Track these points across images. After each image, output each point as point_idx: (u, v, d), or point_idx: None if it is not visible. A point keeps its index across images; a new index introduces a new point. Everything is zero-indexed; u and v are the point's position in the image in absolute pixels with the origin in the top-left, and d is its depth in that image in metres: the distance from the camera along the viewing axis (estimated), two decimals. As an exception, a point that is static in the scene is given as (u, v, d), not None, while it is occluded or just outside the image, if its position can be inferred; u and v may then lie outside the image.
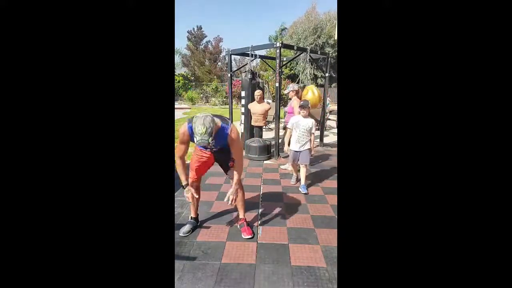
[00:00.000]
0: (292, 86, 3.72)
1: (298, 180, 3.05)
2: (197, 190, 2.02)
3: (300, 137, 2.88)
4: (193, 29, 23.02)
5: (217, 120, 1.65)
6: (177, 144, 1.71)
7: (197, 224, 2.16)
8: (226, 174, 2.01)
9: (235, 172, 1.84)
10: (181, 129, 1.71)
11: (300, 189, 2.92)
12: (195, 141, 1.55)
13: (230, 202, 1.81)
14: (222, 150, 1.87)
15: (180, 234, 2.00)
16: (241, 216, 2.11)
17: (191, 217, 2.15)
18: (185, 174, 1.82)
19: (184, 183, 1.83)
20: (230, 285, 1.52)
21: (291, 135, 2.96)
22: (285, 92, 3.89)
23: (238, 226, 2.10)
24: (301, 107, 2.85)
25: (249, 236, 1.99)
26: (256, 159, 4.13)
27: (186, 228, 2.06)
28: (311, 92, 4.20)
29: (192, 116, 1.61)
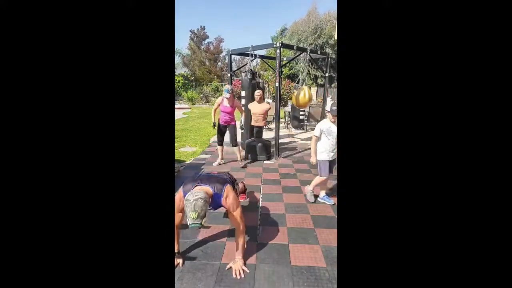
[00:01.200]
0: (228, 89, 3.57)
1: (316, 196, 2.69)
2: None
3: (333, 145, 2.46)
4: (197, 29, 23.07)
5: (209, 190, 1.54)
6: (176, 211, 1.58)
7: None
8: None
9: (237, 240, 1.63)
10: (176, 196, 1.57)
11: (324, 201, 2.62)
12: (187, 222, 1.38)
13: (237, 276, 1.58)
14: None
15: None
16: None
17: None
18: (178, 242, 1.68)
19: (176, 250, 1.67)
20: (230, 285, 1.52)
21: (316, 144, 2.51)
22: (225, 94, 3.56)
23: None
24: (333, 113, 2.36)
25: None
26: (256, 159, 4.13)
27: None
28: (303, 93, 4.28)
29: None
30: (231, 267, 1.64)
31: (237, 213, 1.60)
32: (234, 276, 1.58)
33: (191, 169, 3.54)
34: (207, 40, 23.15)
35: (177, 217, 1.59)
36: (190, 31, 22.94)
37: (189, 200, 1.37)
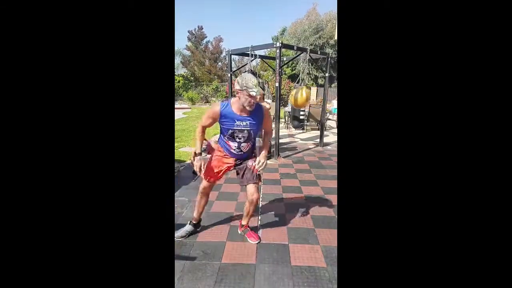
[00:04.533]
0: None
1: None
2: (207, 196, 1.99)
3: None
4: (194, 29, 23.03)
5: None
6: (205, 116, 1.74)
7: (197, 230, 2.06)
8: (241, 183, 1.89)
9: (265, 141, 1.85)
10: (214, 107, 1.72)
11: None
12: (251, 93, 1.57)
13: (261, 167, 1.73)
14: (244, 158, 1.86)
15: (175, 238, 1.94)
16: (244, 222, 2.01)
17: (190, 221, 2.04)
18: (202, 143, 1.80)
19: (198, 151, 1.77)
20: (230, 285, 1.52)
21: None
22: None
23: (242, 233, 2.02)
24: None
25: (257, 241, 1.94)
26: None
27: (182, 232, 1.97)
28: (300, 93, 4.32)
29: (224, 98, 1.67)
30: (253, 166, 1.75)
31: (270, 117, 1.85)
32: (257, 166, 1.71)
33: (191, 169, 3.54)
34: (205, 40, 23.11)
35: (206, 121, 1.73)
36: (188, 31, 22.92)
37: (243, 77, 1.55)
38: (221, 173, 1.89)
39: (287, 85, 12.76)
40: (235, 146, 1.78)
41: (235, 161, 1.87)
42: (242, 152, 1.81)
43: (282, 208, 2.52)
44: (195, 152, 1.76)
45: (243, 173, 1.86)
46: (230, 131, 1.70)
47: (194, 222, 2.04)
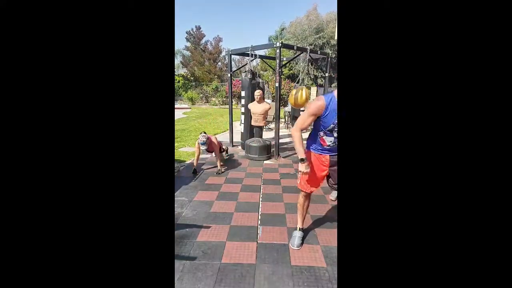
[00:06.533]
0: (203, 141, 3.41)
1: None
2: (309, 201, 1.96)
3: None
4: (192, 29, 23.03)
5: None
6: (305, 116, 1.61)
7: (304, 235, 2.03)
8: (329, 185, 1.89)
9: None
10: (316, 102, 1.55)
11: None
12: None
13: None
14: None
15: (294, 248, 1.89)
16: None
17: (299, 228, 2.01)
18: (303, 147, 1.71)
19: (302, 156, 1.68)
20: (230, 285, 1.52)
21: None
22: None
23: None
24: None
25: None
26: (256, 159, 4.13)
27: (297, 240, 1.92)
28: (300, 94, 4.27)
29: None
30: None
31: None
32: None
33: (191, 169, 3.54)
34: (204, 39, 23.10)
35: (308, 120, 1.62)
36: (186, 32, 22.91)
37: None
38: (322, 176, 1.80)
39: (287, 85, 12.76)
40: (331, 141, 1.63)
41: (330, 156, 1.73)
42: (336, 145, 1.64)
43: (282, 208, 2.52)
44: (301, 159, 1.67)
45: (333, 174, 1.79)
46: (332, 125, 1.54)
47: (301, 227, 2.02)
